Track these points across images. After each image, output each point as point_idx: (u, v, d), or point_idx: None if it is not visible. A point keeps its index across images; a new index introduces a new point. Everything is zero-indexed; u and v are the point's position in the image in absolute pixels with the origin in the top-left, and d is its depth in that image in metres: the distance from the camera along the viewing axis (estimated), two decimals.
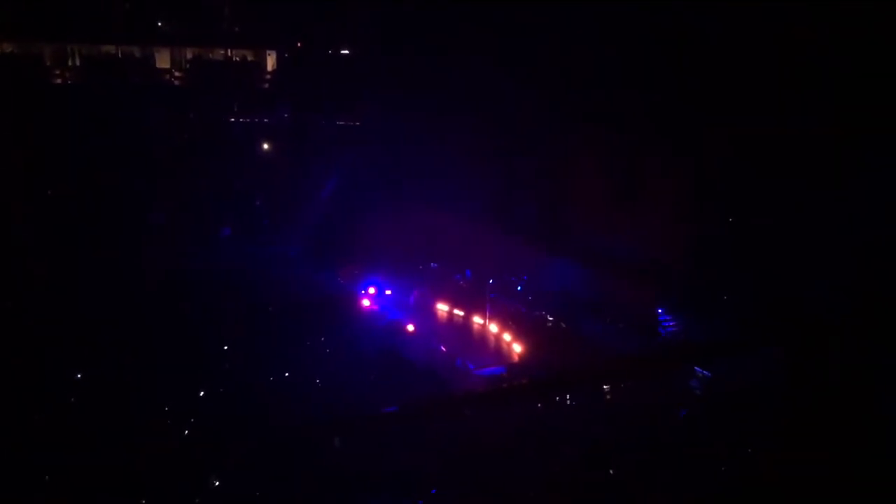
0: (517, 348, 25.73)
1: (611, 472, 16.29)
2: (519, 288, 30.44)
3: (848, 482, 15.18)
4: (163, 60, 34.64)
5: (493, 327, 27.49)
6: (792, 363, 21.14)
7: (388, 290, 30.80)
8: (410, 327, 26.93)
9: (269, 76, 35.97)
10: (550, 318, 27.36)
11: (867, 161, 20.16)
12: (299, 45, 35.21)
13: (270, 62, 36.19)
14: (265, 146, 34.55)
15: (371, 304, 29.37)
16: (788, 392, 19.39)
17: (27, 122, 27.66)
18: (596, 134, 26.35)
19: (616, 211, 26.24)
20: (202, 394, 19.91)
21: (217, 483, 16.26)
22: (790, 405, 18.66)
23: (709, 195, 24.47)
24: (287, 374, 21.74)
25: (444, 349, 25.82)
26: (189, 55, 34.88)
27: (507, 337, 26.59)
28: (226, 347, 22.43)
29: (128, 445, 16.54)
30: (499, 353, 26.22)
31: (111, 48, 33.75)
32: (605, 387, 22.20)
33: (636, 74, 23.72)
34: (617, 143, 26.13)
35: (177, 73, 34.78)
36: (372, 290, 30.15)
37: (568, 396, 21.60)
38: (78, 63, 33.75)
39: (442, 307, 28.99)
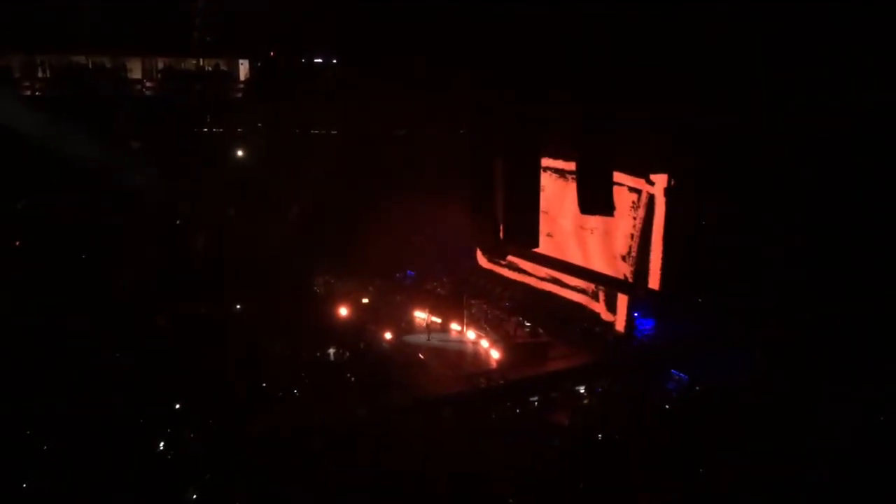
0: (495, 355, 25.73)
1: (588, 474, 16.33)
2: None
3: (825, 483, 15.33)
4: (134, 70, 34.44)
5: (471, 334, 27.49)
6: (767, 365, 21.37)
7: (365, 298, 30.79)
8: (388, 335, 26.87)
9: (242, 85, 35.86)
10: (528, 324, 27.40)
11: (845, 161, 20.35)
12: (272, 54, 35.14)
13: (243, 71, 36.09)
14: (238, 155, 34.42)
15: (348, 313, 29.27)
16: (764, 394, 19.56)
17: None
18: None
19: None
20: (178, 406, 19.71)
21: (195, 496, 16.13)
22: (766, 407, 18.82)
23: (680, 197, 24.60)
24: (264, 385, 21.61)
25: (421, 356, 25.80)
26: (160, 65, 34.70)
27: (484, 344, 26.58)
28: (208, 355, 22.26)
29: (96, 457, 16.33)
30: (477, 359, 26.19)
31: (81, 59, 33.45)
32: (581, 390, 22.37)
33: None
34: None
35: (148, 84, 34.56)
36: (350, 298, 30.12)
37: (545, 400, 21.71)
38: (48, 74, 33.44)
39: (419, 314, 28.92)
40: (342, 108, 33.80)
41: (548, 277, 30.31)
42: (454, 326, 28.26)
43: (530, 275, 31.20)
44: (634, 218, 25.59)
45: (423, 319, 28.64)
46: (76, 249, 27.21)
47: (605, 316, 27.37)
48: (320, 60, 35.74)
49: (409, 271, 33.92)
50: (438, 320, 28.51)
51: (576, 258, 28.72)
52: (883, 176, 19.43)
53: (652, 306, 27.45)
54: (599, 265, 27.60)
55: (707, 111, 21.23)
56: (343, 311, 29.17)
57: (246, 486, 15.93)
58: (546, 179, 27.94)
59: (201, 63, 35.31)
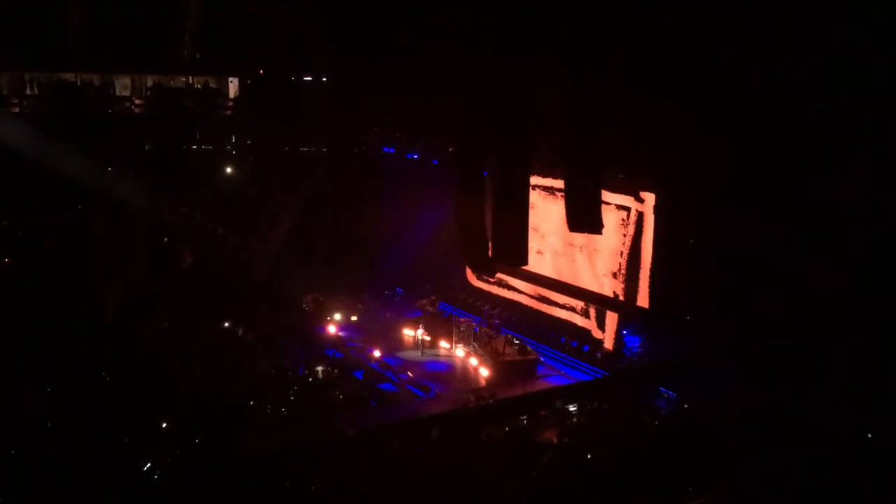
0: (484, 373, 25.64)
1: (577, 493, 16.24)
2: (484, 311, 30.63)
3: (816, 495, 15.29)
4: (123, 88, 34.42)
5: (460, 352, 27.42)
6: (756, 381, 21.36)
7: (354, 316, 30.69)
8: (377, 353, 26.76)
9: (231, 103, 35.90)
10: (517, 341, 27.33)
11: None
12: (261, 71, 35.21)
13: (233, 89, 36.14)
14: (227, 172, 34.38)
15: (337, 331, 29.18)
16: (753, 411, 19.54)
17: None
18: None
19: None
20: (164, 425, 19.51)
21: None
22: (755, 424, 18.79)
23: (669, 215, 24.67)
24: (252, 403, 21.43)
25: (410, 374, 25.67)
26: (150, 82, 34.69)
27: (473, 361, 26.50)
28: (195, 373, 22.09)
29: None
30: (466, 377, 26.10)
31: (70, 76, 33.40)
32: (571, 408, 22.27)
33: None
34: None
35: (137, 101, 34.53)
36: (338, 317, 29.99)
37: (534, 418, 21.59)
38: (36, 91, 33.36)
39: (408, 332, 28.84)
40: (331, 124, 33.87)
41: (537, 295, 30.32)
42: (443, 344, 28.18)
43: (520, 292, 31.20)
44: (624, 236, 25.67)
45: (412, 337, 28.57)
46: (62, 266, 26.97)
47: (595, 333, 27.36)
48: (309, 78, 35.84)
49: (398, 289, 33.88)
50: (428, 338, 28.43)
51: (565, 276, 28.74)
52: (877, 191, 19.51)
53: (641, 324, 27.45)
54: (589, 283, 27.64)
55: (695, 130, 21.32)
56: (332, 329, 29.08)
57: None
58: (535, 197, 28.02)
59: (191, 80, 35.35)
